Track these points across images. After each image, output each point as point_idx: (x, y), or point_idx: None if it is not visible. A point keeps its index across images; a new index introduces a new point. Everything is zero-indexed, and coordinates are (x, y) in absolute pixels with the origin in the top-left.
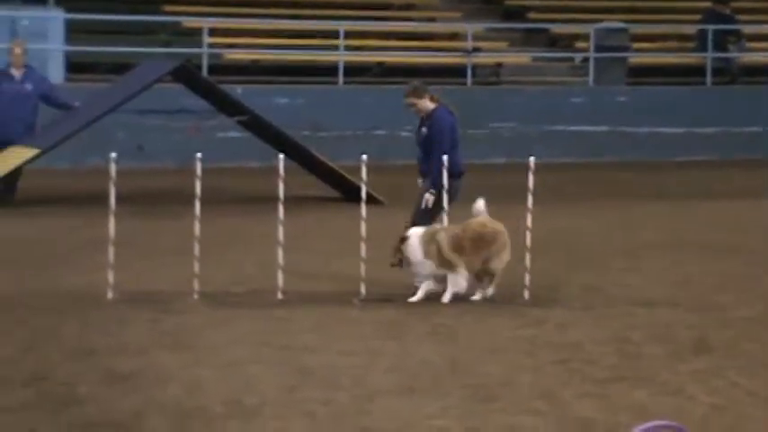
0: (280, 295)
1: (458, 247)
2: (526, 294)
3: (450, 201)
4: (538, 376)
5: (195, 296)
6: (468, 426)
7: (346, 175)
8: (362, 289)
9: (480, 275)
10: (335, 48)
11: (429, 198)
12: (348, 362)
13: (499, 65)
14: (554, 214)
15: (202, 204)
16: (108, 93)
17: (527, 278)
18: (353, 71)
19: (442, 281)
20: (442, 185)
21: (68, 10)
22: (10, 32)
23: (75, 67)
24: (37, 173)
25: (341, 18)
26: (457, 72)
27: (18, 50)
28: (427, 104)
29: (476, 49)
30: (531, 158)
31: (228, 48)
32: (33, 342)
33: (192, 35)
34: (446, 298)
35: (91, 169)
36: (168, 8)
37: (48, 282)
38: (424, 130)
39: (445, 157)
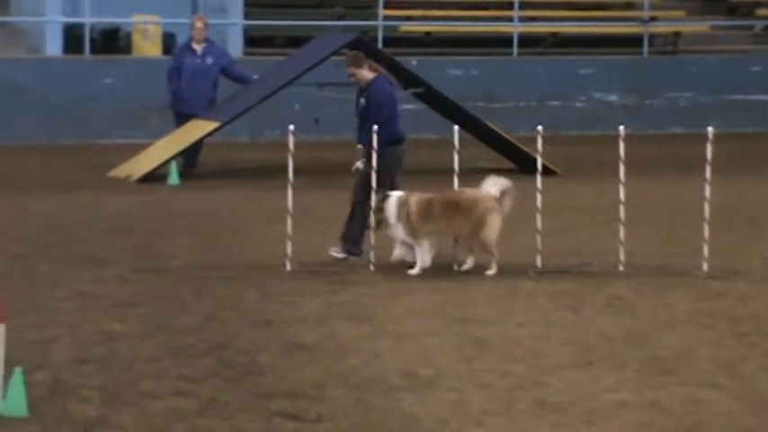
0: (455, 267)
1: (428, 213)
2: (705, 266)
3: (394, 168)
4: (717, 349)
5: (372, 267)
6: (646, 399)
7: (521, 146)
8: (538, 261)
9: (462, 244)
10: (509, 19)
11: (359, 166)
12: (524, 333)
13: (677, 34)
14: (733, 185)
15: None
16: (285, 66)
17: (705, 250)
18: (527, 42)
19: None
20: (371, 156)
21: None
22: (191, 7)
23: (253, 41)
24: (217, 145)
25: None
26: (633, 42)
27: (199, 25)
28: (366, 74)
29: (652, 18)
30: (710, 128)
31: (403, 20)
32: (215, 311)
33: (368, 8)
34: (415, 271)
35: (269, 142)
36: None
37: (228, 252)
38: (362, 100)
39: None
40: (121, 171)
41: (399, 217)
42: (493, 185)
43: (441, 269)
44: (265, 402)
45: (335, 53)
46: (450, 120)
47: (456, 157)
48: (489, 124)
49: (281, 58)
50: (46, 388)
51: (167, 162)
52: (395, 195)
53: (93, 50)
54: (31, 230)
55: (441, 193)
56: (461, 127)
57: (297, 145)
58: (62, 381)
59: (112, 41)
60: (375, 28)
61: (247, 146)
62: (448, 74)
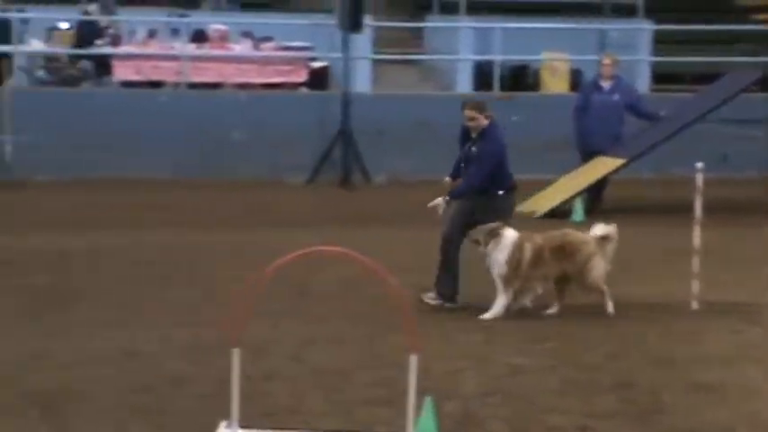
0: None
1: (538, 258)
2: None
3: (505, 216)
4: None
5: None
6: None
7: None
8: None
9: (561, 287)
10: None
11: (439, 203)
12: None
13: None
14: None
15: None
16: (692, 102)
17: None
18: None
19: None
20: (464, 196)
21: (657, 21)
22: (599, 44)
23: (660, 77)
24: (621, 182)
25: None
26: None
27: (607, 62)
28: (483, 122)
29: None
30: None
31: None
32: (619, 349)
33: None
34: (489, 315)
35: (674, 178)
36: (756, 16)
37: (631, 290)
38: (474, 149)
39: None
40: (526, 207)
41: (510, 259)
42: (598, 230)
43: None
44: None
45: (745, 90)
46: None
47: None
48: None
49: (687, 94)
50: (455, 419)
51: (572, 198)
52: (512, 234)
53: (502, 87)
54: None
55: (544, 236)
56: None
57: (704, 182)
58: (470, 412)
59: (520, 78)
60: None
61: (652, 182)
62: None
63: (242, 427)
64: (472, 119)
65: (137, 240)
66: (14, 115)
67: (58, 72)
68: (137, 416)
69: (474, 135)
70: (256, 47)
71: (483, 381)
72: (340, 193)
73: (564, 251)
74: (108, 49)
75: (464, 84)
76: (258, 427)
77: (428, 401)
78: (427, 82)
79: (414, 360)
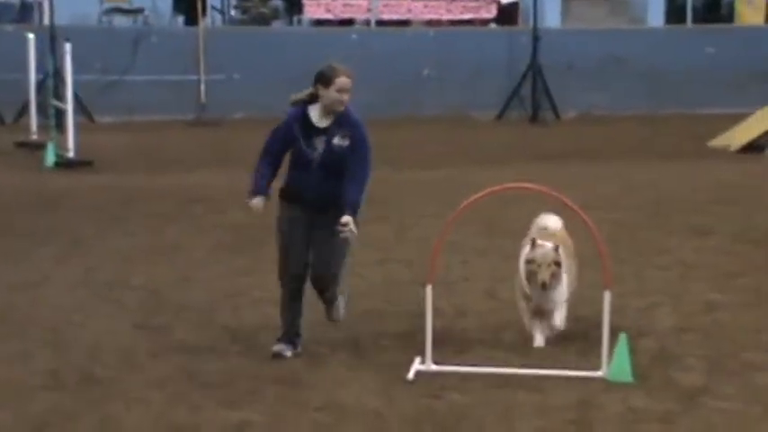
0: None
1: None
2: None
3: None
4: None
5: None
6: None
7: None
8: None
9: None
10: None
11: (353, 230)
12: None
13: None
14: None
15: None
16: None
17: None
18: None
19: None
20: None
21: None
22: None
23: None
24: None
25: None
26: None
27: None
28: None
29: None
30: None
31: None
32: None
33: None
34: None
35: None
36: None
37: None
38: (336, 141)
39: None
40: (721, 141)
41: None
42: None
43: None
44: None
45: None
46: None
47: None
48: None
49: None
50: (650, 355)
51: None
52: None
53: (695, 20)
54: (635, 199)
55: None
56: None
57: None
58: (665, 348)
59: (715, 10)
60: None
61: None
62: None
63: (435, 363)
64: (348, 91)
65: None
66: (208, 55)
67: (250, 11)
68: (334, 350)
69: (325, 122)
70: None
71: (678, 317)
72: (530, 128)
73: None
74: None
75: (656, 17)
76: (451, 364)
77: (623, 338)
78: (617, 16)
79: (608, 296)
